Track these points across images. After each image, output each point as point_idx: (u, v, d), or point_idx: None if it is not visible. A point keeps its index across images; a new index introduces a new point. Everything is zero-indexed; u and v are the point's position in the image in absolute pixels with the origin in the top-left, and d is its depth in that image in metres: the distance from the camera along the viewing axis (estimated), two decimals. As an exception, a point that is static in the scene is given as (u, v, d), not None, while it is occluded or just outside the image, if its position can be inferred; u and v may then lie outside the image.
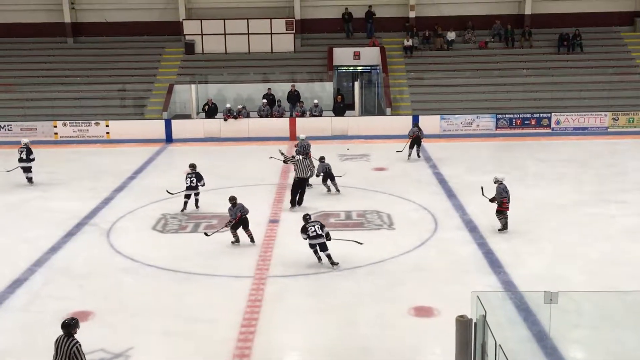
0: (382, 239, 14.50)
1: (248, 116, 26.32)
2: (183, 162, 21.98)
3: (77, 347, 7.92)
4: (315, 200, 17.27)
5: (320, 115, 26.43)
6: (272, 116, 26.50)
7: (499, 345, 6.77)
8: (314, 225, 12.91)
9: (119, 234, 14.98)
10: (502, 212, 14.73)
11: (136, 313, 11.08)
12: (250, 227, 14.07)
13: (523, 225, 15.15)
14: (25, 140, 20.19)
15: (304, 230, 12.97)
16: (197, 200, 16.62)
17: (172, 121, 26.39)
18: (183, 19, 30.35)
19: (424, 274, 12.59)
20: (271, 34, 29.97)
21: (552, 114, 26.09)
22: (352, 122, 26.36)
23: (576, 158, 22.20)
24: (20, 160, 19.36)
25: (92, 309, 11.13)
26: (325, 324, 10.62)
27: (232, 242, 14.12)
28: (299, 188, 16.74)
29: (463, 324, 7.63)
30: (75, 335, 8.01)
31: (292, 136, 25.67)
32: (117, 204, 17.40)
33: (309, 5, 30.90)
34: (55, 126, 26.02)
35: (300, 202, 16.73)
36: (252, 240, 14.08)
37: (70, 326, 8.06)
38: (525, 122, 26.11)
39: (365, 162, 21.98)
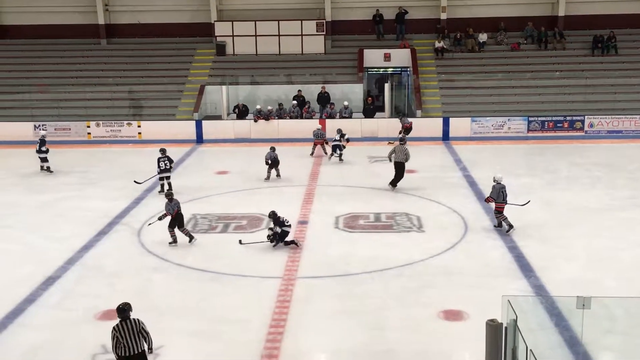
0: (411, 242, 14.43)
1: (280, 117, 26.37)
2: (213, 163, 22.18)
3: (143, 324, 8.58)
4: (345, 202, 17.25)
5: (350, 116, 26.41)
6: (302, 117, 26.57)
7: (530, 350, 6.68)
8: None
9: (149, 234, 15.11)
10: (500, 213, 14.80)
11: (166, 312, 11.16)
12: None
13: (555, 229, 14.97)
14: (43, 132, 22.52)
15: (279, 221, 13.70)
16: (170, 184, 17.71)
17: (203, 122, 26.59)
18: (214, 21, 30.59)
19: (453, 278, 12.49)
20: (302, 35, 30.07)
21: (586, 116, 25.74)
22: (382, 124, 26.28)
23: (610, 162, 21.85)
24: (39, 151, 21.08)
25: (123, 307, 11.22)
26: (353, 327, 10.58)
27: (169, 244, 14.20)
28: (400, 171, 18.05)
29: (493, 328, 7.56)
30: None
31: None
32: (148, 203, 17.57)
33: (339, 7, 30.92)
34: (88, 126, 26.39)
35: (395, 185, 18.32)
36: (190, 238, 14.24)
37: (125, 310, 8.57)
38: (558, 125, 25.79)
39: (395, 164, 21.85)
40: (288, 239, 14.04)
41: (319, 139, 23.12)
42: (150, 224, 14.94)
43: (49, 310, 11.38)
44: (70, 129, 26.39)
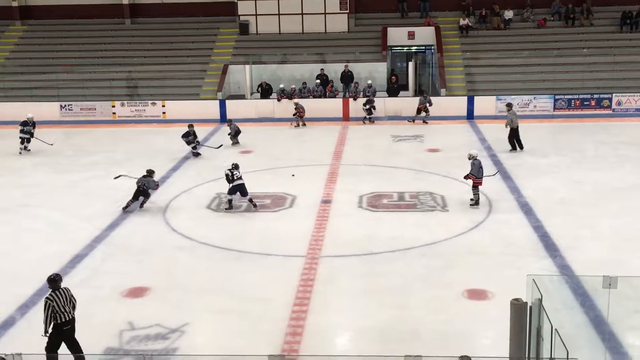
0: (435, 221, 14.39)
1: (303, 96, 26.31)
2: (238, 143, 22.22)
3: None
4: (368, 181, 17.23)
5: (373, 95, 26.25)
6: (325, 96, 26.50)
7: (555, 329, 6.65)
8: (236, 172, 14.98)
9: (174, 213, 15.25)
10: (477, 187, 15.01)
11: (192, 290, 11.29)
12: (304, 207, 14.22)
13: (581, 208, 14.84)
14: (30, 115, 21.57)
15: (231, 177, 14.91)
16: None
17: (227, 101, 26.64)
18: (237, 0, 30.50)
19: (477, 257, 12.44)
20: (325, 13, 29.88)
21: (613, 94, 25.33)
22: (406, 103, 26.12)
23: (638, 140, 21.52)
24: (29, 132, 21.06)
25: (149, 285, 11.39)
26: (376, 306, 10.61)
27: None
28: (515, 136, 20.19)
29: (518, 307, 7.52)
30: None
31: (345, 117, 25.63)
32: (173, 182, 17.70)
33: (363, -16, 30.65)
34: (113, 106, 26.58)
35: (521, 147, 20.23)
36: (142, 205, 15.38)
37: (57, 281, 8.96)
38: (585, 103, 25.43)
39: (419, 143, 21.78)
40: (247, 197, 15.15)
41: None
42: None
43: (76, 287, 11.46)
44: (95, 109, 26.60)
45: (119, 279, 11.69)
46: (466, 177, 15.26)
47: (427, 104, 24.37)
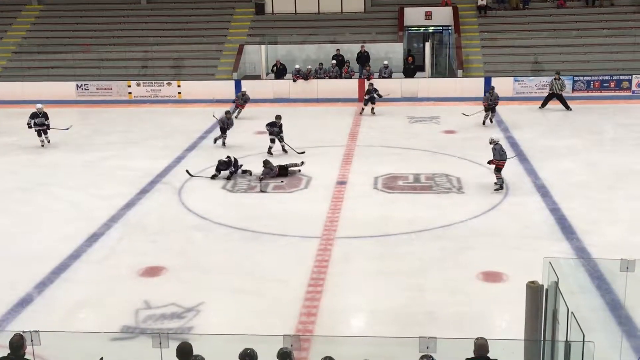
0: (451, 203, 14.33)
1: (319, 77, 26.18)
2: (252, 123, 22.22)
3: None
4: (384, 163, 17.17)
5: (390, 76, 26.10)
6: (341, 77, 26.37)
7: (572, 312, 6.61)
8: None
9: (190, 193, 15.29)
10: (499, 171, 14.80)
11: (207, 270, 11.34)
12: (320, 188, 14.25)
13: (599, 191, 14.71)
14: (39, 105, 19.59)
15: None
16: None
17: (242, 82, 26.59)
18: (253, -21, 30.33)
19: (493, 239, 12.38)
20: (341, -7, 29.67)
21: (633, 76, 24.98)
22: (423, 84, 25.93)
23: (657, 123, 21.28)
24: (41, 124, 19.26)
25: (165, 264, 11.45)
26: (391, 287, 10.60)
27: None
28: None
29: (534, 290, 7.47)
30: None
31: (361, 98, 25.47)
32: (188, 163, 17.73)
33: (380, -36, 30.34)
34: (129, 86, 26.62)
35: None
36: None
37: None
38: (604, 84, 25.12)
39: (435, 125, 21.66)
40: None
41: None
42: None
43: (93, 266, 11.65)
44: (111, 89, 26.65)
45: (135, 258, 11.76)
46: (490, 162, 15.07)
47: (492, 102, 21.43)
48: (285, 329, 9.00)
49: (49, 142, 19.42)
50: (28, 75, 27.46)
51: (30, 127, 19.27)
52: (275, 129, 18.18)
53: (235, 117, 21.53)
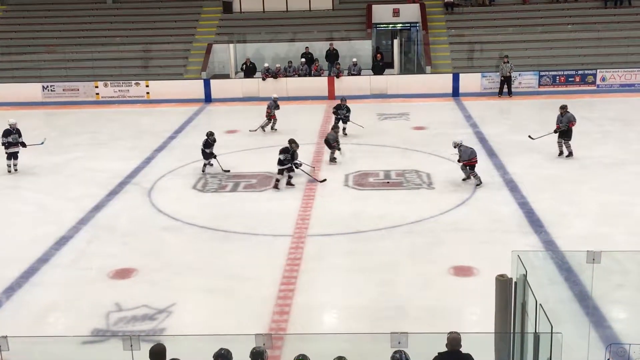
0: (421, 199, 14.44)
1: (288, 75, 26.15)
2: (222, 122, 22.15)
3: None
4: (354, 160, 17.22)
5: (359, 74, 26.18)
6: (311, 75, 26.38)
7: (540, 304, 6.71)
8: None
9: (160, 193, 15.18)
10: (473, 168, 14.98)
11: (178, 271, 11.27)
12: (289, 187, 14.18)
13: (566, 184, 14.93)
14: (12, 120, 17.23)
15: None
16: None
17: (211, 81, 26.47)
18: (220, -22, 30.17)
19: (463, 234, 12.51)
20: (309, -9, 29.67)
21: (598, 70, 25.40)
22: (392, 81, 26.07)
23: (622, 116, 21.64)
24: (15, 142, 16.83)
25: (136, 266, 11.36)
26: (363, 283, 10.66)
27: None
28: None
29: (503, 283, 7.57)
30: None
31: (331, 95, 25.54)
32: (158, 163, 17.61)
33: (347, -39, 30.39)
34: (96, 87, 26.32)
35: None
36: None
37: None
38: (570, 79, 25.49)
39: (405, 121, 21.79)
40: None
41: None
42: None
43: (63, 269, 11.52)
44: (78, 90, 26.32)
45: (105, 260, 11.65)
46: (462, 162, 15.04)
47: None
48: (258, 328, 9.00)
49: (16, 170, 16.90)
50: (-8, 76, 27.00)
51: (5, 146, 16.82)
52: (287, 155, 15.41)
53: (273, 129, 20.75)
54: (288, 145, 15.50)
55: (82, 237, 12.80)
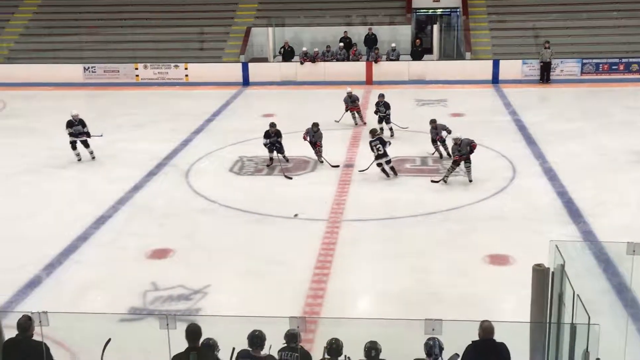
0: (458, 186, 14.31)
1: (326, 59, 26.07)
2: (260, 106, 22.21)
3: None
4: (391, 145, 17.08)
5: (397, 59, 25.97)
6: (349, 60, 26.27)
7: (577, 295, 6.61)
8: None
9: (197, 175, 15.32)
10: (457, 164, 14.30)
11: (214, 252, 11.38)
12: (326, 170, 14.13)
13: (607, 175, 14.65)
14: (75, 112, 16.73)
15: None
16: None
17: (249, 64, 26.52)
18: (261, -39, 30.10)
19: (500, 222, 12.38)
20: (349, -25, 29.44)
21: (643, 58, 24.79)
22: (430, 67, 25.81)
23: (667, 106, 21.13)
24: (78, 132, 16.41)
25: (172, 247, 11.51)
26: (397, 269, 10.63)
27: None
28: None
29: (540, 273, 7.47)
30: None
31: (368, 80, 25.40)
32: (196, 145, 17.75)
33: (388, -55, 30.05)
34: (136, 68, 26.58)
35: None
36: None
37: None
38: (613, 67, 24.91)
39: (443, 108, 21.57)
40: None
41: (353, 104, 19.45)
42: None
43: (102, 248, 11.73)
44: (118, 71, 26.62)
45: (142, 240, 11.82)
46: (456, 157, 14.32)
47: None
48: (291, 311, 9.04)
49: (93, 157, 16.56)
50: (35, 57, 27.43)
51: (72, 136, 16.40)
52: (271, 139, 15.68)
53: (356, 124, 19.22)
54: (269, 128, 15.55)
55: (121, 217, 13.01)
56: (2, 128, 20.40)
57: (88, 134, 16.41)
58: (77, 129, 16.37)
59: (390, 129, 18.06)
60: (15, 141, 18.59)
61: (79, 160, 16.49)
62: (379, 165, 14.70)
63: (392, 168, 14.82)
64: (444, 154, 15.87)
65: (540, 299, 7.52)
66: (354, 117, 19.41)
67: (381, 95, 18.15)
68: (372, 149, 14.67)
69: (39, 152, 17.29)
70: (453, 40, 29.44)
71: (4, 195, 14.41)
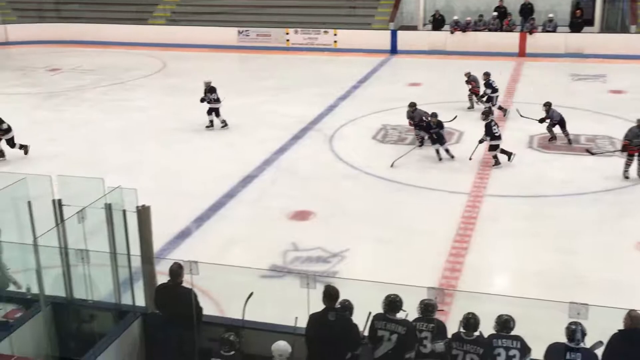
0: (612, 167, 13.49)
1: (477, 29, 25.32)
2: (406, 74, 22.01)
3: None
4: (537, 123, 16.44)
5: (554, 30, 24.72)
6: (502, 30, 25.36)
7: None
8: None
9: (341, 141, 15.50)
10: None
11: (353, 218, 11.52)
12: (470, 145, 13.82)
13: None
14: (207, 79, 16.79)
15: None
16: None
17: (398, 32, 26.28)
18: None
19: (657, 208, 11.61)
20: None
21: None
22: (590, 40, 24.37)
23: None
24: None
25: (313, 209, 11.77)
26: (539, 249, 10.28)
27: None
28: None
29: (699, 265, 6.98)
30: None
31: (521, 52, 24.45)
32: (340, 111, 17.94)
33: None
34: (287, 33, 27.12)
35: None
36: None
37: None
38: None
39: (601, 84, 20.36)
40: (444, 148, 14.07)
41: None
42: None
43: (247, 205, 12.22)
44: (270, 35, 27.31)
45: (285, 201, 12.18)
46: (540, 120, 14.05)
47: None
48: (427, 282, 8.99)
49: (224, 125, 16.60)
50: (194, 20, 28.70)
51: (213, 102, 16.52)
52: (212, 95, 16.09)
53: (469, 108, 17.86)
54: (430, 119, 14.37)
55: (266, 177, 13.46)
56: (160, 87, 21.60)
57: (217, 100, 16.31)
58: (216, 96, 16.42)
59: (500, 107, 17.07)
60: (172, 99, 19.63)
61: (209, 126, 16.49)
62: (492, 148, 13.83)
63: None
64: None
65: (697, 293, 7.02)
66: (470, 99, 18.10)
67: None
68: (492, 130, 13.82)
69: (191, 112, 18.14)
70: (617, 11, 27.54)
71: (159, 149, 15.31)
